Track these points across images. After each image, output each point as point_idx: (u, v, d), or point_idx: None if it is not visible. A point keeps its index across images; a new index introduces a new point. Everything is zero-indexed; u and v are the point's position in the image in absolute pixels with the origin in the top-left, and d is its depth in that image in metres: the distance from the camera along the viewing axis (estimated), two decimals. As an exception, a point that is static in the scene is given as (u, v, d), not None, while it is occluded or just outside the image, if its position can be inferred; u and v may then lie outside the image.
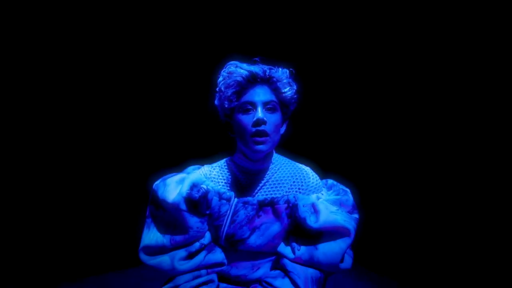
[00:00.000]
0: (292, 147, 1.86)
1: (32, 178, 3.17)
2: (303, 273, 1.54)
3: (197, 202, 1.58)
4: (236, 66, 1.60)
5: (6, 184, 3.04)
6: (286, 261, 1.56)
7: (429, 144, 3.33)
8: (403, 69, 3.38)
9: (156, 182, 1.68)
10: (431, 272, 2.89)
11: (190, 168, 1.78)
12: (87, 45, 3.41)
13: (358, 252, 1.74)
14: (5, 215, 2.99)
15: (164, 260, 1.58)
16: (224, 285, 1.63)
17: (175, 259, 1.56)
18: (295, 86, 1.64)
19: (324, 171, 1.80)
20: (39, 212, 3.11)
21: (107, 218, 3.28)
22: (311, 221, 1.55)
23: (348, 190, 1.71)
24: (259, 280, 1.58)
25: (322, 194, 1.68)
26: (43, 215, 3.12)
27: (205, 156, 1.90)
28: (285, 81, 1.60)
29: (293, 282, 1.52)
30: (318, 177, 1.72)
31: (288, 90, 1.61)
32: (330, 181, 1.76)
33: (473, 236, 3.04)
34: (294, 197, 1.62)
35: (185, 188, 1.58)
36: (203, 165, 1.78)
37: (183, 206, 1.56)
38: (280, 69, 1.62)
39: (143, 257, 1.62)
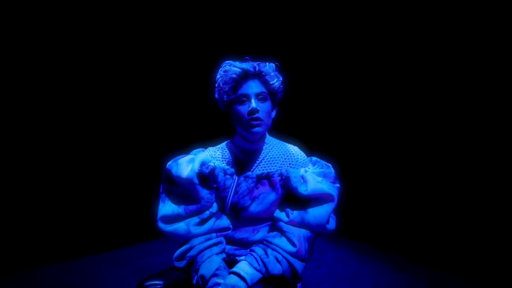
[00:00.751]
0: (282, 129, 2.17)
1: (53, 165, 3.44)
2: (296, 232, 1.86)
3: (207, 177, 1.90)
4: (230, 65, 1.89)
5: (28, 167, 3.29)
6: (281, 223, 1.88)
7: (400, 120, 3.60)
8: (375, 50, 3.64)
9: (169, 163, 1.99)
10: (403, 238, 3.17)
11: (195, 151, 2.08)
12: (94, 34, 3.61)
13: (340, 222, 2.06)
14: (32, 193, 3.22)
15: (180, 226, 1.90)
16: (230, 246, 1.97)
17: (190, 224, 1.88)
18: (281, 77, 1.94)
19: (309, 149, 2.12)
20: (63, 192, 3.39)
21: (118, 198, 3.57)
22: (301, 190, 1.86)
23: (330, 165, 2.03)
24: (260, 241, 1.91)
25: (309, 168, 1.99)
26: (66, 194, 3.39)
27: (207, 139, 2.21)
28: (272, 74, 1.90)
29: (289, 240, 1.84)
30: (304, 155, 2.03)
31: (275, 82, 1.92)
32: (314, 158, 2.07)
33: (450, 202, 3.31)
34: (286, 171, 1.93)
35: (196, 166, 1.90)
36: (206, 147, 2.10)
37: (196, 180, 1.89)
38: (267, 63, 1.92)
39: (161, 225, 1.93)
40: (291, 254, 1.82)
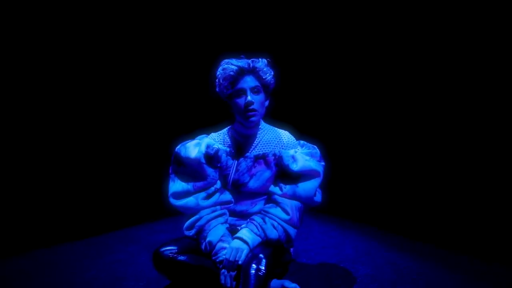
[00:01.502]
0: (274, 116, 2.49)
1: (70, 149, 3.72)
2: (289, 203, 2.19)
3: (212, 157, 2.23)
4: (228, 63, 2.20)
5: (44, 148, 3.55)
6: (276, 196, 2.21)
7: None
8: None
9: (177, 147, 2.31)
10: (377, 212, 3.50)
11: (199, 136, 2.39)
12: (102, 26, 3.81)
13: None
14: (53, 176, 3.48)
15: (189, 200, 2.21)
16: (231, 218, 2.30)
17: (199, 198, 2.20)
18: (272, 72, 2.26)
19: (299, 133, 2.44)
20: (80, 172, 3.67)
21: (128, 183, 3.85)
22: (292, 167, 2.19)
23: (315, 146, 2.37)
24: (258, 212, 2.24)
25: (298, 149, 2.32)
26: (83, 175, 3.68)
27: (208, 126, 2.52)
28: (264, 69, 2.22)
29: (283, 209, 2.17)
30: (294, 138, 2.36)
31: (267, 76, 2.23)
32: (301, 142, 2.39)
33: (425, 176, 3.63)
34: (279, 151, 2.26)
35: (203, 148, 2.22)
36: (208, 133, 2.42)
37: (203, 160, 2.21)
38: (260, 60, 2.22)
39: (172, 201, 2.25)
40: (285, 221, 2.15)
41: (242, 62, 2.17)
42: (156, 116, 4.04)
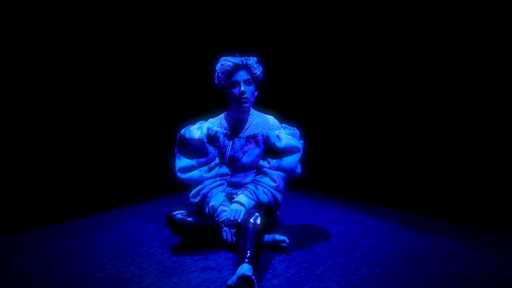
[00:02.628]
0: (263, 103, 2.98)
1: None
2: (275, 174, 2.69)
3: (212, 138, 2.71)
4: (225, 60, 2.67)
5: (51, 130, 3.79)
6: (265, 169, 2.71)
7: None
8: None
9: (182, 131, 2.77)
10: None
11: (199, 122, 2.87)
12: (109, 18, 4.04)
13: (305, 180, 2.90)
14: (50, 152, 3.73)
15: (194, 173, 2.69)
16: (228, 188, 2.79)
17: (202, 171, 2.69)
18: (261, 68, 2.74)
19: (282, 117, 2.94)
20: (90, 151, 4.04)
21: (134, 164, 4.23)
22: (278, 144, 2.68)
23: (295, 128, 2.87)
24: (250, 182, 2.73)
25: (281, 130, 2.82)
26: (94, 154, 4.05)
27: (206, 112, 2.99)
28: (255, 65, 2.70)
29: (271, 178, 2.67)
30: (278, 121, 2.86)
31: (257, 71, 2.71)
32: (283, 125, 2.89)
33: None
34: (266, 132, 2.75)
35: (204, 130, 2.70)
36: (207, 119, 2.89)
37: (205, 140, 2.69)
38: (251, 58, 2.71)
39: (180, 174, 2.72)
40: (273, 188, 2.66)
41: (237, 59, 2.65)
42: (160, 105, 4.38)
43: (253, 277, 2.06)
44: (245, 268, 2.11)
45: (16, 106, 3.54)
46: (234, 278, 2.11)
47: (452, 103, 3.59)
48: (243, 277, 2.04)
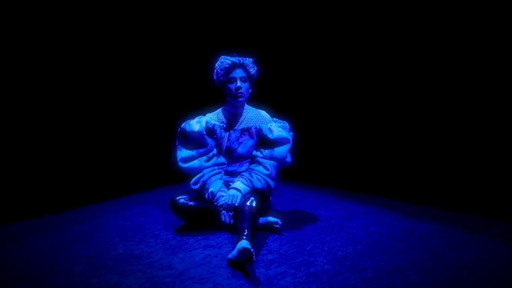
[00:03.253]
0: (257, 99, 3.25)
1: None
2: (268, 162, 2.97)
3: (210, 130, 2.98)
4: (224, 58, 2.94)
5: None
6: (258, 158, 2.99)
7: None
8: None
9: (182, 125, 3.03)
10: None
11: (198, 116, 3.13)
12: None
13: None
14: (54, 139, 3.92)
15: (194, 163, 2.97)
16: (225, 176, 3.06)
17: (202, 161, 2.96)
18: (255, 67, 3.01)
19: (274, 111, 3.21)
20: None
21: (139, 155, 4.47)
22: (270, 136, 2.97)
23: (285, 121, 3.15)
24: (245, 170, 3.01)
25: (272, 123, 3.10)
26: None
27: (204, 106, 3.25)
28: (250, 65, 2.97)
29: (264, 167, 2.95)
30: (269, 115, 3.14)
31: (252, 70, 2.98)
32: (274, 118, 3.18)
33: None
34: (259, 125, 3.03)
35: (203, 124, 2.97)
36: (205, 114, 3.15)
37: (204, 132, 2.96)
38: (247, 58, 2.99)
39: (181, 164, 2.99)
40: (266, 175, 2.94)
41: (235, 59, 2.92)
42: (161, 100, 4.59)
43: (252, 249, 2.33)
44: (244, 243, 2.38)
45: (22, 96, 3.74)
46: (234, 252, 2.38)
47: (429, 90, 3.88)
48: (243, 250, 2.32)
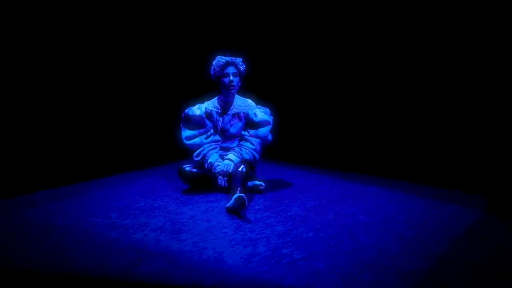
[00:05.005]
0: (244, 90, 4.07)
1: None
2: (254, 140, 3.80)
3: (208, 114, 3.79)
4: (220, 57, 3.73)
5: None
6: (246, 136, 3.81)
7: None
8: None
9: (186, 111, 3.82)
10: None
11: (197, 104, 3.92)
12: None
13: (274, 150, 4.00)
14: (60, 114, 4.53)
15: (196, 140, 3.77)
16: (220, 151, 3.88)
17: (202, 138, 3.77)
18: (244, 66, 3.81)
19: (260, 100, 4.04)
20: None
21: (147, 136, 5.22)
22: (255, 119, 3.80)
23: (267, 108, 3.98)
24: (236, 146, 3.83)
25: (257, 109, 3.93)
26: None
27: (202, 95, 4.05)
28: (240, 64, 3.77)
29: (250, 143, 3.77)
30: (254, 103, 3.96)
31: (241, 67, 3.79)
32: (258, 106, 4.01)
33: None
34: (246, 111, 3.85)
35: (203, 109, 3.77)
36: (203, 102, 3.95)
37: (204, 116, 3.77)
38: (238, 58, 3.79)
39: (186, 141, 3.79)
40: (252, 149, 3.77)
41: (228, 58, 3.72)
42: (168, 91, 5.36)
43: (245, 196, 3.16)
44: (238, 194, 3.22)
45: (48, 71, 4.40)
46: (231, 201, 3.20)
47: (399, 65, 4.64)
48: (238, 198, 3.15)
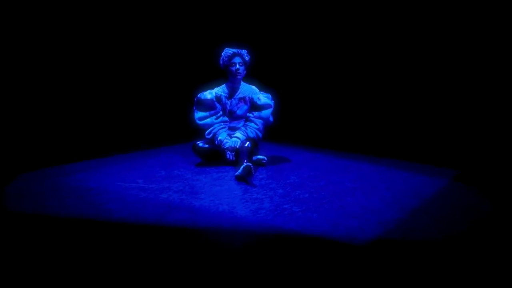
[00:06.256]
0: (250, 77, 4.64)
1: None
2: (257, 120, 4.38)
3: (218, 98, 4.37)
4: (228, 49, 4.31)
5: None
6: (250, 118, 4.39)
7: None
8: None
9: (198, 95, 4.39)
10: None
11: (208, 90, 4.49)
12: None
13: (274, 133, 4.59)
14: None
15: (207, 120, 4.35)
16: (228, 130, 4.46)
17: (212, 119, 4.35)
18: (249, 56, 4.38)
19: (263, 86, 4.62)
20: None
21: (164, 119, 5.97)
22: (259, 102, 4.37)
23: (269, 93, 4.57)
24: (242, 126, 4.41)
25: (260, 94, 4.50)
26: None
27: (212, 81, 4.63)
28: (245, 54, 4.33)
29: (254, 123, 4.36)
30: (257, 89, 4.54)
31: (246, 57, 4.36)
32: (261, 91, 4.59)
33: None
34: (251, 95, 4.43)
35: (213, 94, 4.35)
36: (213, 87, 4.53)
37: (214, 99, 4.34)
38: (243, 50, 4.37)
39: (198, 122, 4.37)
40: (256, 129, 4.36)
41: (235, 49, 4.28)
42: (183, 78, 6.03)
43: (251, 165, 3.75)
44: (246, 163, 3.81)
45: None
46: (239, 170, 3.78)
47: (378, 52, 5.38)
48: (246, 166, 3.74)
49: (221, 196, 3.41)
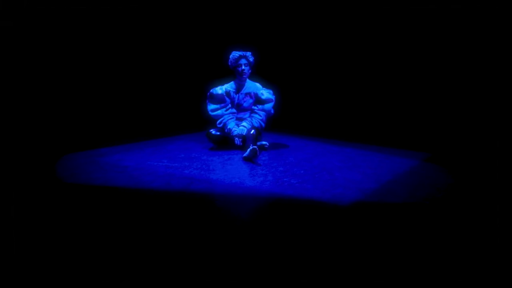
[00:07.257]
0: (255, 75, 5.43)
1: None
2: (261, 112, 5.17)
3: (227, 93, 5.15)
4: (235, 52, 5.09)
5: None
6: (255, 110, 5.19)
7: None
8: None
9: (211, 90, 5.18)
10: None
11: (219, 86, 5.27)
12: None
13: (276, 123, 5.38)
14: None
15: (218, 112, 5.13)
16: (236, 120, 5.25)
17: (223, 110, 5.14)
18: (253, 58, 5.16)
19: (266, 83, 5.41)
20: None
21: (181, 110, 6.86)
22: (262, 97, 5.16)
23: (271, 89, 5.36)
24: (248, 117, 5.20)
25: (263, 90, 5.28)
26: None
27: (222, 78, 5.41)
28: (250, 56, 5.11)
29: (259, 114, 5.15)
30: (261, 86, 5.32)
31: (251, 59, 5.14)
32: (265, 88, 5.37)
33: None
34: (255, 91, 5.22)
35: (223, 89, 5.14)
36: (223, 84, 5.31)
37: (224, 94, 5.13)
38: (249, 52, 5.15)
39: (211, 113, 5.16)
40: (260, 119, 5.15)
41: (241, 52, 5.06)
42: (199, 76, 6.87)
43: (257, 147, 4.56)
44: (252, 147, 4.60)
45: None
46: (246, 152, 4.57)
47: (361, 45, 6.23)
48: (252, 149, 4.54)
49: (233, 172, 4.20)
